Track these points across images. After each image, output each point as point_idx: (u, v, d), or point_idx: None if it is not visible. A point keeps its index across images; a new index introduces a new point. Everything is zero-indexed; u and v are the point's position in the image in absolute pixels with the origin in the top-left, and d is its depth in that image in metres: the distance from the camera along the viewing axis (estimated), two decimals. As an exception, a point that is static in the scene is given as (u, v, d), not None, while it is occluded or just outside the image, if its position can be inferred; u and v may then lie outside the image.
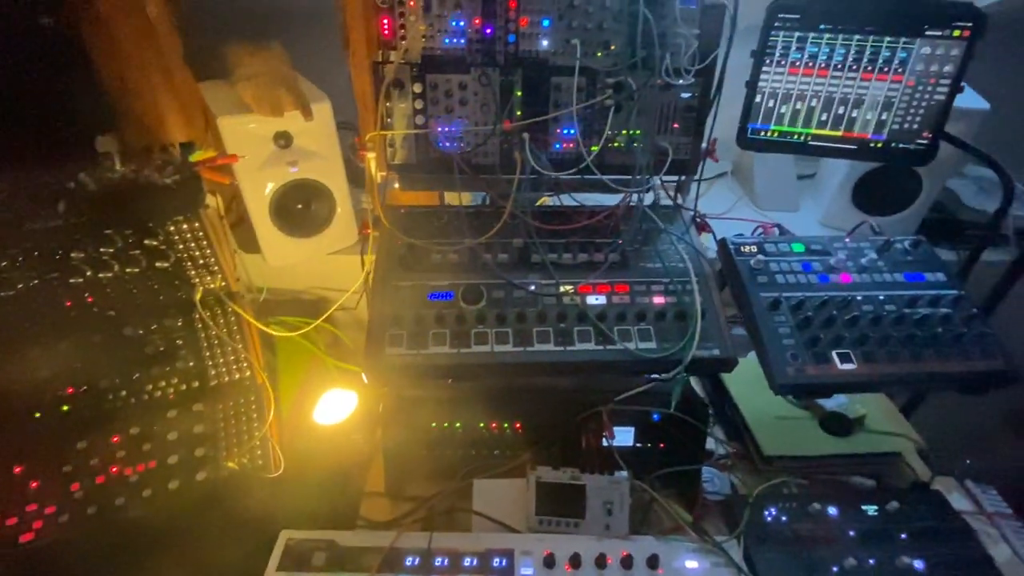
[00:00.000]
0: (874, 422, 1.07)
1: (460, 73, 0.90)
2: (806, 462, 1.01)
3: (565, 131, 0.95)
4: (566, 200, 1.00)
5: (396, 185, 1.03)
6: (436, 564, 0.81)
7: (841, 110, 0.93)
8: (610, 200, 0.96)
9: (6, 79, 1.03)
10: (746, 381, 1.09)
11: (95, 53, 1.14)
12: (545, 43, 0.89)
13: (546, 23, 0.88)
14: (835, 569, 0.83)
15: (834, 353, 0.82)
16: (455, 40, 0.88)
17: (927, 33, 0.86)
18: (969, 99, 1.26)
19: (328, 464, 0.97)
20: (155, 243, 0.87)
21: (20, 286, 0.82)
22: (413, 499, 0.94)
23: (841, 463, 1.02)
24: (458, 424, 0.95)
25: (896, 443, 1.05)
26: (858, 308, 0.87)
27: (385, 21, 0.86)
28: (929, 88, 0.89)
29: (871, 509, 0.91)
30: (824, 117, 0.94)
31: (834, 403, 1.07)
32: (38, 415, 0.83)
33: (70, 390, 0.85)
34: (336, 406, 1.02)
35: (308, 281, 1.37)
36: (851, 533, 0.88)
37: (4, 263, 0.80)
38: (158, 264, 0.88)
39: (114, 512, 0.82)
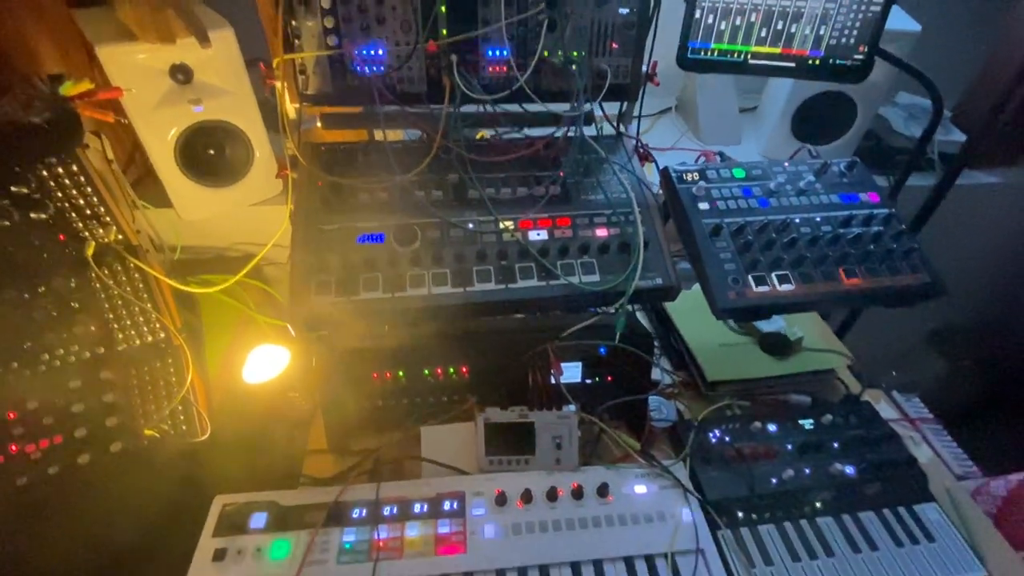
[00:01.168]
0: (810, 342, 1.11)
1: (374, -15, 0.80)
2: (748, 385, 1.04)
3: (496, 52, 0.87)
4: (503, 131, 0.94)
5: (318, 124, 0.94)
6: (385, 513, 0.78)
7: (780, 25, 0.90)
8: (549, 131, 0.90)
9: None
10: (690, 311, 1.10)
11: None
12: (468, -51, 0.80)
13: (467, -75, 0.79)
14: (774, 481, 0.87)
15: (773, 275, 0.82)
16: (364, -55, 0.78)
17: (864, -61, 0.83)
18: (901, 21, 1.26)
19: (264, 424, 0.91)
20: (26, 190, 0.75)
21: None
22: (359, 453, 0.90)
23: (780, 383, 1.06)
24: (400, 372, 0.90)
25: (830, 360, 1.09)
26: (796, 230, 0.87)
27: (279, -80, 0.74)
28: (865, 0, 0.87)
29: (807, 423, 0.96)
30: (763, 33, 0.91)
31: (772, 326, 1.10)
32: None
33: (-51, 366, 0.75)
34: (267, 363, 0.95)
35: (232, 237, 1.26)
36: (789, 447, 0.91)
37: None
38: (33, 215, 0.76)
39: (18, 494, 0.74)
